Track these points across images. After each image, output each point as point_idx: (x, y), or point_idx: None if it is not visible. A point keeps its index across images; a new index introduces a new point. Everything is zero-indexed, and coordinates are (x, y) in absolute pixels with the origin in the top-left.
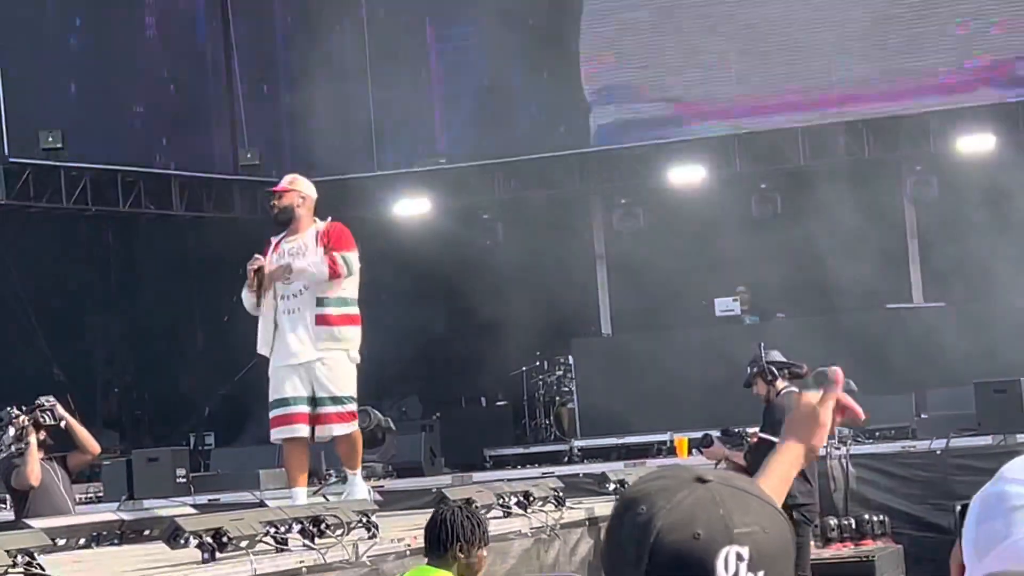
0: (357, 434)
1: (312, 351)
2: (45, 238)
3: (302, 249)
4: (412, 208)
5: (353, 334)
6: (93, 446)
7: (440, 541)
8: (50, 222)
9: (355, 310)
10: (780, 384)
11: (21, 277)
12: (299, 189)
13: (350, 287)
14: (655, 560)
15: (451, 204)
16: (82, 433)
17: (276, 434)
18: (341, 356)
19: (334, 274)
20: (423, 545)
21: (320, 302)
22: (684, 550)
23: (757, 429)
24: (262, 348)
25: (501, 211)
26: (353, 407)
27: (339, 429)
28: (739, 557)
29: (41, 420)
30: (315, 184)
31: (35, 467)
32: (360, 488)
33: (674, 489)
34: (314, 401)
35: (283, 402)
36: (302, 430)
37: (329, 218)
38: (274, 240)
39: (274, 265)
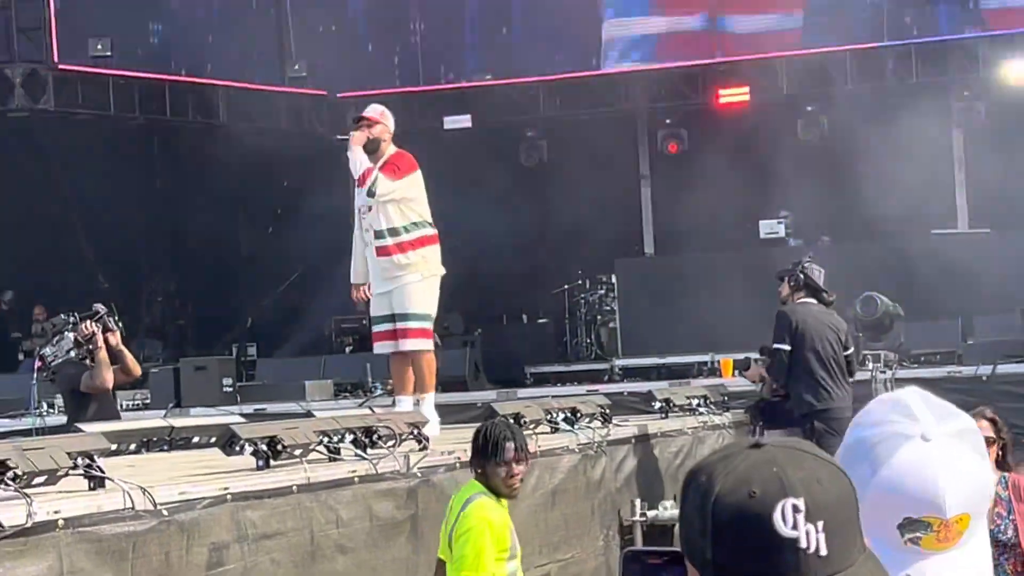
0: (431, 356)
1: (382, 283)
2: (91, 146)
3: (377, 178)
4: (456, 124)
5: (416, 258)
6: (137, 368)
7: (484, 454)
8: (97, 130)
9: (415, 235)
10: (800, 295)
11: (67, 185)
12: (387, 123)
13: (408, 214)
14: (717, 523)
15: (495, 121)
16: (128, 354)
17: (375, 349)
18: (411, 279)
19: (361, 183)
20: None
21: (377, 235)
22: (742, 508)
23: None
24: (353, 277)
25: (546, 130)
26: (428, 325)
27: (411, 344)
28: (795, 509)
29: (110, 326)
30: (360, 99)
31: (109, 370)
32: (430, 412)
33: (731, 457)
34: (393, 318)
35: (374, 320)
36: (386, 347)
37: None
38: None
39: (359, 195)
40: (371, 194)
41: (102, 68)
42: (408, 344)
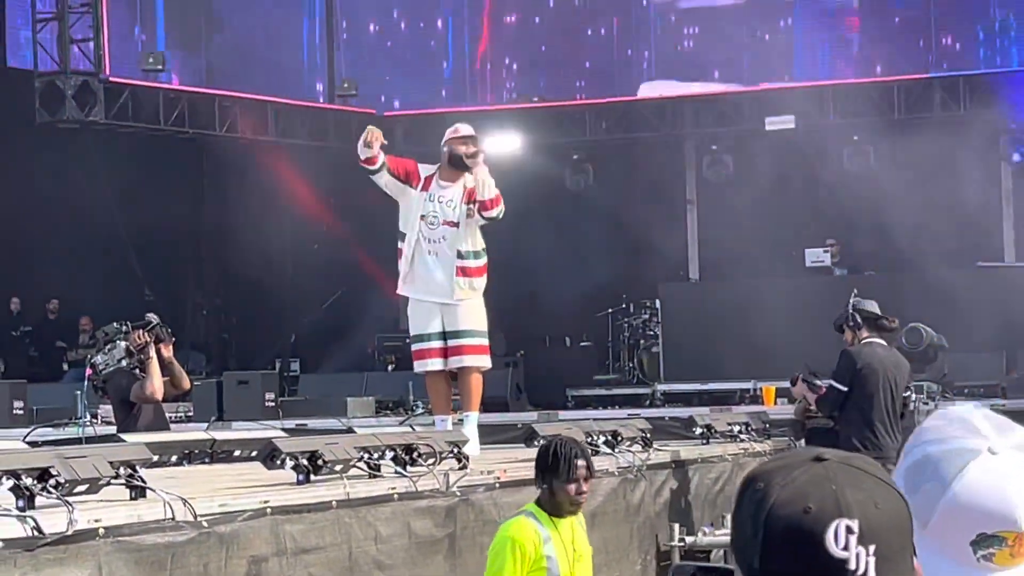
0: (481, 375)
1: (450, 296)
2: (140, 159)
3: (452, 200)
4: (503, 145)
5: (484, 283)
6: (186, 381)
7: (554, 471)
8: (146, 143)
9: (484, 261)
10: (864, 334)
11: (115, 197)
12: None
13: (481, 239)
14: (769, 534)
15: (542, 143)
16: (178, 367)
17: (417, 367)
18: (476, 301)
19: (493, 204)
20: (515, 478)
21: (460, 255)
22: (795, 523)
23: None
24: (401, 288)
25: (592, 152)
26: (486, 341)
27: (470, 360)
28: (849, 530)
29: (162, 336)
30: (411, 118)
31: (160, 380)
32: (472, 432)
33: (791, 467)
34: (445, 336)
35: (421, 338)
36: (436, 364)
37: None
38: (423, 172)
39: (430, 203)
40: (496, 217)
41: (153, 82)
42: (468, 360)
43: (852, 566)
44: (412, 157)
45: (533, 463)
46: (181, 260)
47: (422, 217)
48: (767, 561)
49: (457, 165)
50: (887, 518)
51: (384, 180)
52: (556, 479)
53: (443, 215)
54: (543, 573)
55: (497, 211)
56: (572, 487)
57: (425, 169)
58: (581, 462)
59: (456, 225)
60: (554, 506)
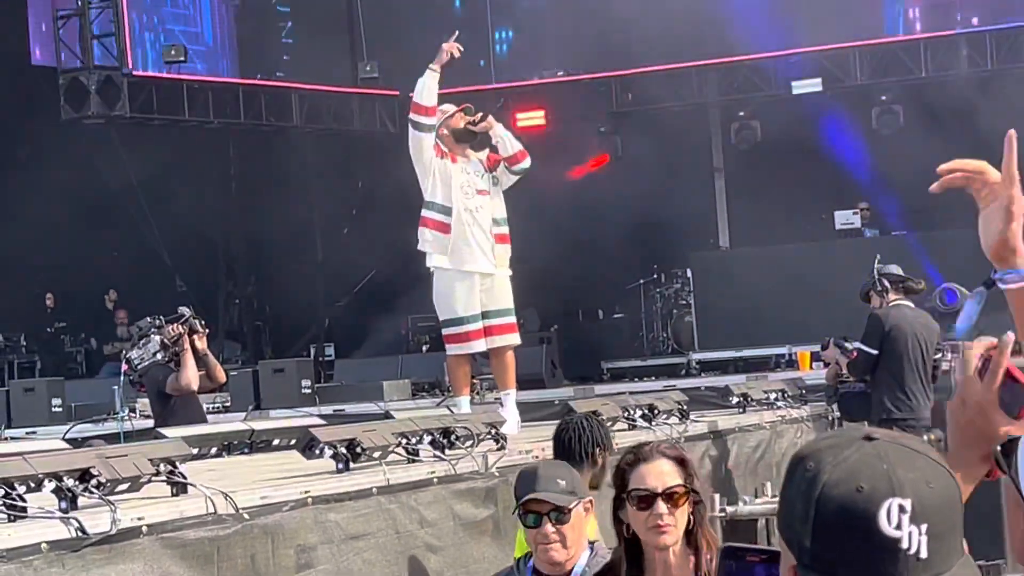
0: (512, 354)
1: (488, 266)
2: (167, 151)
3: (479, 170)
4: (529, 120)
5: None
6: (221, 374)
7: (567, 450)
8: (172, 135)
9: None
10: (892, 296)
11: (143, 191)
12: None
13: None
14: (820, 514)
15: (568, 116)
16: (214, 360)
17: (454, 349)
18: (507, 274)
19: (523, 156)
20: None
21: (496, 222)
22: (848, 503)
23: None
24: (439, 261)
25: (619, 124)
26: (516, 319)
27: (511, 339)
28: (902, 509)
29: (196, 328)
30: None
31: (195, 371)
32: (512, 410)
33: (842, 446)
34: (484, 315)
35: (461, 320)
36: (479, 345)
37: (487, 149)
38: (445, 149)
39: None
40: (496, 182)
41: (176, 74)
42: (510, 338)
43: (905, 545)
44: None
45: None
46: (211, 250)
47: (461, 187)
48: (818, 541)
49: (464, 139)
50: (939, 497)
51: (431, 142)
52: (596, 456)
53: (475, 184)
54: None
55: (527, 162)
56: (587, 465)
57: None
58: (591, 438)
59: (487, 193)
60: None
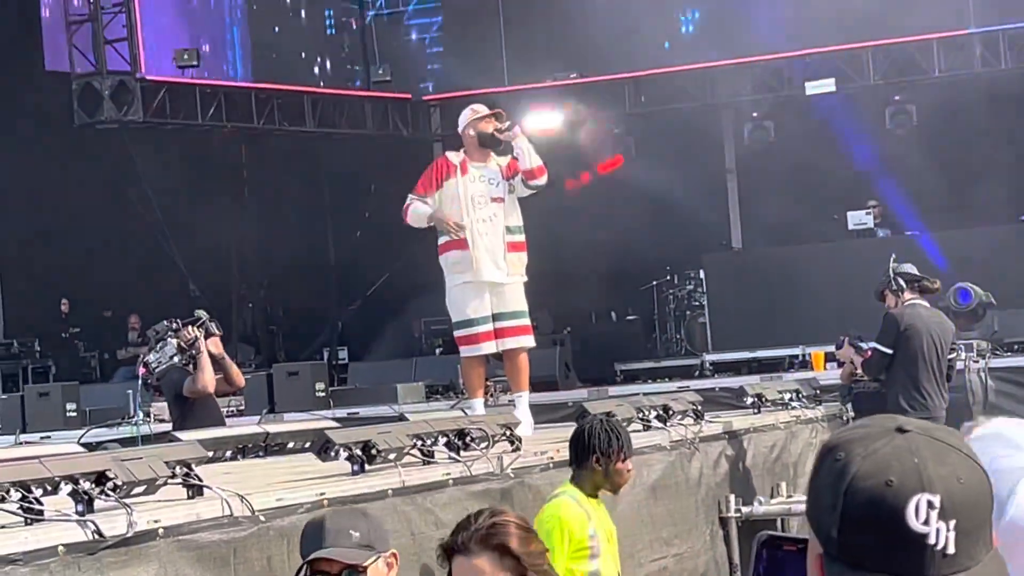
0: (526, 356)
1: (500, 275)
2: (180, 155)
3: (494, 178)
4: (543, 122)
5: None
6: (240, 379)
7: (581, 452)
8: (185, 139)
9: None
10: (907, 296)
11: (157, 195)
12: None
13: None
14: (849, 505)
15: (582, 119)
16: (231, 364)
17: (466, 351)
18: (522, 279)
19: (540, 172)
20: (567, 457)
21: (509, 230)
22: (876, 496)
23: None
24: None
25: (632, 126)
26: (529, 320)
27: (523, 340)
28: (930, 505)
29: (212, 330)
30: (448, 99)
31: (211, 374)
32: (525, 412)
33: (873, 437)
34: (494, 317)
35: (471, 322)
36: (489, 347)
37: (510, 155)
38: (455, 159)
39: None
40: (512, 190)
41: (189, 78)
42: (522, 340)
43: (932, 541)
44: (451, 140)
45: (577, 443)
46: (225, 254)
47: (472, 199)
48: (846, 532)
49: (488, 144)
50: (969, 493)
51: (424, 210)
52: (612, 458)
53: (489, 192)
54: (587, 552)
55: (543, 178)
56: (625, 465)
57: (454, 156)
58: (607, 440)
59: (502, 201)
60: (596, 486)
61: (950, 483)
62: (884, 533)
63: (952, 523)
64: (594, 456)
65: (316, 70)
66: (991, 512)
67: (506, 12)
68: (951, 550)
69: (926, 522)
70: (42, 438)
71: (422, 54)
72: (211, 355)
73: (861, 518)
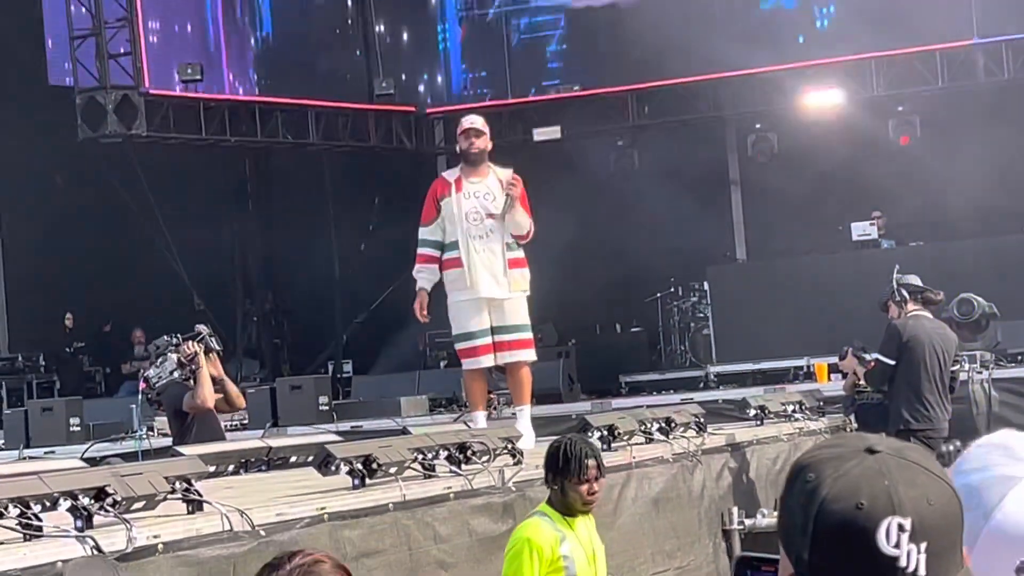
0: (528, 370)
1: (501, 291)
2: (184, 169)
3: (491, 193)
4: (545, 135)
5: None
6: (240, 400)
7: (546, 473)
8: (189, 153)
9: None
10: (910, 307)
11: (161, 209)
12: (488, 133)
13: None
14: (819, 527)
15: (584, 131)
16: (232, 386)
17: (466, 364)
18: (524, 294)
19: (524, 238)
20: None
21: (508, 247)
22: (847, 519)
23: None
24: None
25: (635, 138)
26: (532, 334)
27: (523, 355)
28: (901, 528)
29: (211, 345)
30: (451, 112)
31: (210, 389)
32: (526, 425)
33: (844, 458)
34: (493, 331)
35: (470, 335)
36: (487, 360)
37: (511, 170)
38: (450, 177)
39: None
40: (500, 212)
41: (193, 92)
42: (521, 355)
43: (903, 563)
44: (454, 153)
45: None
46: (229, 268)
47: (466, 216)
48: (816, 554)
49: (468, 160)
50: (940, 515)
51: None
52: (568, 480)
53: (484, 209)
54: (561, 573)
55: (526, 241)
56: (584, 488)
57: (450, 174)
58: (592, 462)
59: (499, 217)
60: (566, 507)
61: (920, 505)
62: (855, 556)
63: (923, 545)
64: (550, 475)
65: (320, 83)
66: (961, 533)
67: (509, 26)
68: (922, 572)
69: (897, 545)
70: (46, 453)
71: (427, 66)
72: (211, 377)
73: (832, 541)
